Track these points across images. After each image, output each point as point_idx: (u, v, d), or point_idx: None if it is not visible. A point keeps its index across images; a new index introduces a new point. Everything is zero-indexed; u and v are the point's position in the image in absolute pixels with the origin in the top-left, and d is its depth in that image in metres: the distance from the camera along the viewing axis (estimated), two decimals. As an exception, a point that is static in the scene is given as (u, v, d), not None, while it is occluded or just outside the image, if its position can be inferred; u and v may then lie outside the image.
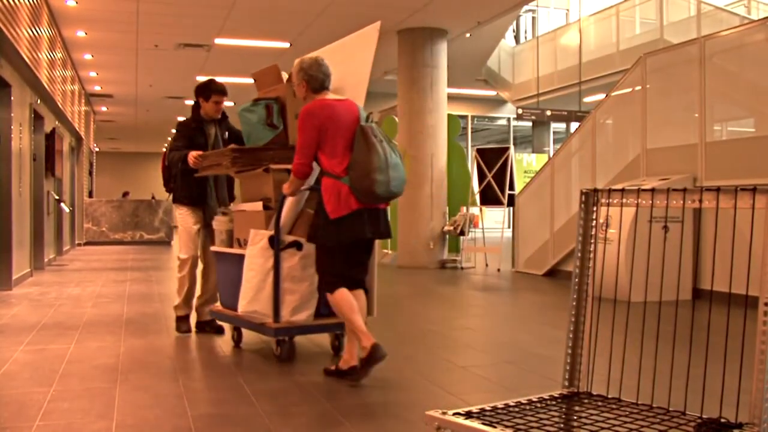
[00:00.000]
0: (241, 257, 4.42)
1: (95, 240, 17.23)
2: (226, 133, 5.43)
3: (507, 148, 10.64)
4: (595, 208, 2.62)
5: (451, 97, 12.09)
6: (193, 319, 5.51)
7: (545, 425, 2.17)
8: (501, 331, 5.81)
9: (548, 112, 15.80)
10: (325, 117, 3.78)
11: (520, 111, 16.07)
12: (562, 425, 2.26)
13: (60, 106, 11.63)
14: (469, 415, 2.21)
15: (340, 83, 4.14)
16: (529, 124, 20.13)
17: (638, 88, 8.04)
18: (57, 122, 12.57)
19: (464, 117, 18.14)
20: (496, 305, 7.27)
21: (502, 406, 2.33)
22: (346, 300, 3.78)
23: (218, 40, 11.62)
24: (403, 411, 3.38)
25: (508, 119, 19.86)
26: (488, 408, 2.29)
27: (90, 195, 20.10)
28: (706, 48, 7.13)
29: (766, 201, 2.09)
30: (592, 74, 14.94)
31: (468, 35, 11.89)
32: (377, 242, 4.23)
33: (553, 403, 2.45)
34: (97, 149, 25.48)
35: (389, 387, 3.82)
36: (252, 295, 4.29)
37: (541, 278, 9.18)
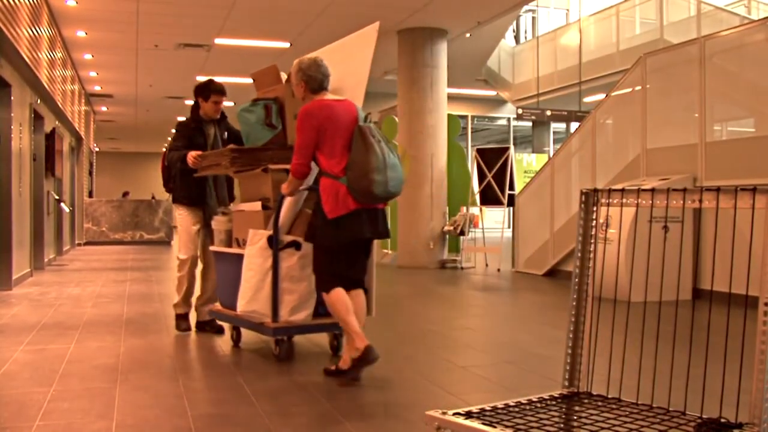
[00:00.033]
0: (240, 257, 4.43)
1: (95, 240, 17.23)
2: (225, 133, 5.44)
3: (507, 148, 10.64)
4: (595, 208, 2.62)
5: (451, 97, 12.09)
6: (193, 319, 5.52)
7: (545, 425, 2.17)
8: (501, 331, 5.81)
9: (548, 112, 15.80)
10: (323, 117, 3.78)
11: (520, 111, 16.07)
12: (562, 425, 2.26)
13: (60, 106, 11.63)
14: (469, 415, 2.21)
15: (339, 83, 4.14)
16: (529, 124, 20.13)
17: (638, 88, 8.04)
18: (57, 122, 12.58)
19: (464, 117, 18.14)
20: (496, 305, 7.27)
21: (502, 406, 2.33)
22: (342, 300, 3.79)
23: (218, 40, 11.62)
24: (403, 411, 3.38)
25: (508, 119, 19.86)
26: (488, 408, 2.29)
27: (90, 195, 20.10)
28: (706, 48, 7.13)
29: (766, 201, 2.09)
30: (592, 74, 14.94)
31: (468, 35, 11.89)
32: (377, 242, 4.24)
33: (553, 403, 2.45)
34: (97, 149, 25.48)
35: (389, 387, 3.82)
36: (251, 295, 4.30)
37: (541, 278, 9.18)
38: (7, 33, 6.81)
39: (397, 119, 11.44)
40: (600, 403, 2.43)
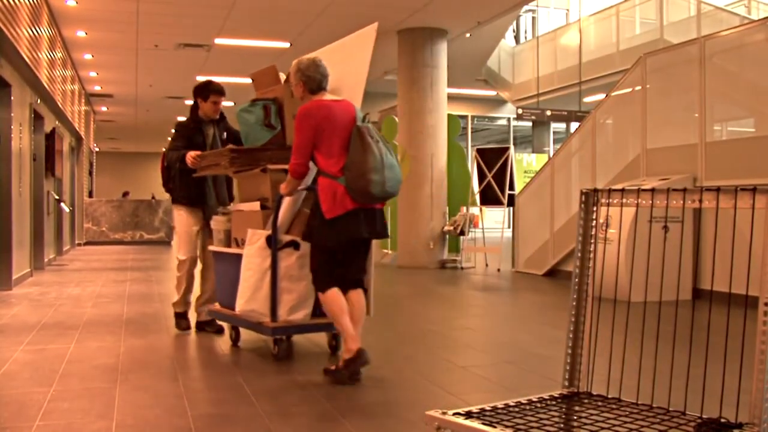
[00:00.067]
0: (239, 257, 4.44)
1: (95, 240, 17.23)
2: (225, 133, 5.45)
3: (507, 148, 10.64)
4: (595, 208, 2.62)
5: (451, 97, 12.09)
6: (193, 319, 5.52)
7: (545, 425, 2.17)
8: (501, 331, 5.81)
9: (548, 112, 15.80)
10: (321, 117, 3.80)
11: (520, 111, 16.07)
12: (562, 425, 2.26)
13: (60, 106, 11.63)
14: (469, 415, 2.21)
15: (337, 84, 4.15)
16: (529, 124, 20.13)
17: (638, 88, 8.04)
18: (57, 122, 12.58)
19: (464, 117, 18.14)
20: (496, 305, 7.27)
21: (502, 406, 2.33)
22: (336, 301, 3.81)
23: (218, 40, 11.62)
24: (403, 411, 3.38)
25: (508, 119, 19.86)
26: (488, 408, 2.29)
27: (90, 195, 20.10)
28: (706, 48, 7.13)
29: (766, 201, 2.09)
30: (592, 74, 14.94)
31: (468, 35, 11.89)
32: (377, 242, 4.25)
33: (553, 403, 2.45)
34: (97, 149, 25.48)
35: (389, 387, 3.82)
36: (249, 295, 4.31)
37: (541, 278, 9.18)
38: (7, 33, 6.81)
39: (397, 119, 11.44)
40: (600, 403, 2.42)
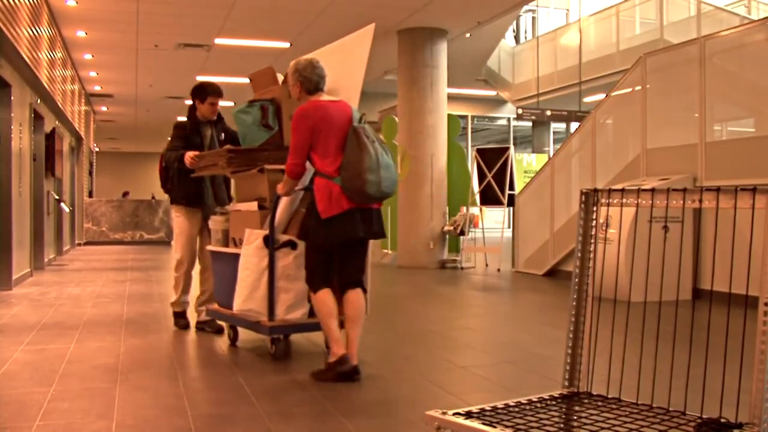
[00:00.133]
0: (237, 256, 4.45)
1: (95, 240, 17.23)
2: (222, 134, 5.46)
3: (507, 148, 10.64)
4: (595, 208, 2.62)
5: (451, 97, 12.09)
6: (192, 319, 5.53)
7: (545, 425, 2.17)
8: (501, 331, 5.81)
9: (548, 112, 15.80)
10: (318, 118, 3.82)
11: (520, 111, 16.07)
12: (562, 425, 2.26)
13: (60, 106, 11.63)
14: (469, 415, 2.21)
15: (334, 84, 4.17)
16: (529, 124, 20.13)
17: (638, 88, 8.04)
18: (57, 122, 12.58)
19: (464, 117, 18.14)
20: (496, 305, 7.27)
21: (502, 406, 2.33)
22: (326, 303, 3.85)
23: (218, 40, 11.61)
24: (403, 411, 3.38)
25: (508, 119, 19.86)
26: (488, 408, 2.29)
27: (90, 195, 20.10)
28: (706, 48, 7.13)
29: (766, 201, 2.09)
30: (592, 74, 14.94)
31: (468, 35, 11.89)
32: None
33: (553, 403, 2.45)
34: (97, 149, 25.48)
35: (389, 387, 3.82)
36: (247, 294, 4.33)
37: (541, 278, 9.18)
38: (7, 33, 6.81)
39: (397, 119, 11.44)
40: (600, 403, 2.42)
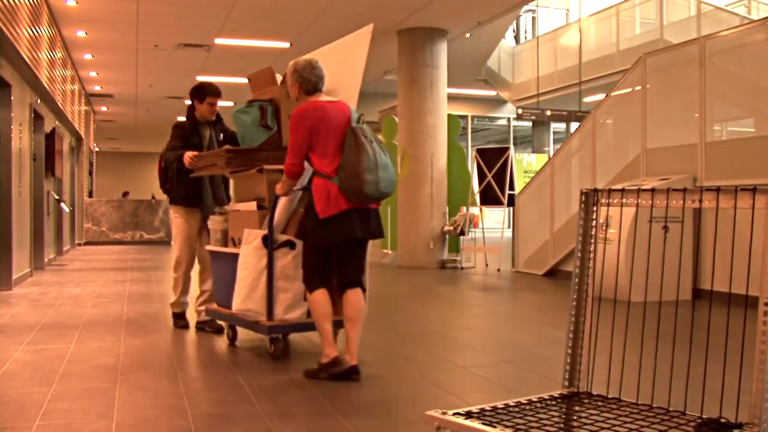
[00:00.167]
0: (236, 256, 4.46)
1: (95, 240, 17.23)
2: (221, 134, 5.47)
3: (507, 148, 10.64)
4: (595, 208, 2.62)
5: (451, 97, 12.09)
6: (192, 319, 5.54)
7: (545, 425, 2.17)
8: (501, 331, 5.81)
9: (548, 112, 15.80)
10: (316, 118, 3.84)
11: (520, 111, 16.07)
12: (562, 425, 2.26)
13: (60, 105, 11.63)
14: (469, 415, 2.21)
15: (333, 85, 4.19)
16: (529, 124, 20.13)
17: (638, 88, 8.04)
18: (57, 122, 12.57)
19: (464, 117, 18.14)
20: (496, 305, 7.27)
21: (502, 406, 2.33)
22: (322, 304, 3.88)
23: (218, 40, 11.61)
24: (403, 411, 3.38)
25: (508, 119, 19.86)
26: (488, 408, 2.29)
27: (90, 195, 20.10)
28: (706, 48, 7.13)
29: (766, 201, 2.09)
30: (592, 74, 14.94)
31: (468, 35, 11.89)
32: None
33: (553, 403, 2.45)
34: (97, 149, 25.48)
35: (389, 386, 3.82)
36: (246, 294, 4.34)
37: (541, 278, 9.18)
38: (7, 33, 6.81)
39: (397, 119, 11.44)
40: (600, 403, 2.42)
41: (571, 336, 2.61)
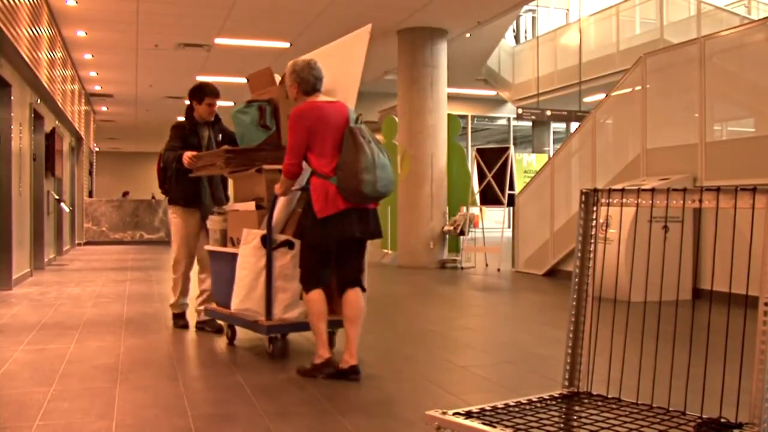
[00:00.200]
0: (234, 256, 4.47)
1: (95, 240, 17.23)
2: (220, 135, 5.48)
3: (507, 148, 10.63)
4: (595, 208, 2.62)
5: (451, 97, 12.09)
6: (192, 319, 5.54)
7: (545, 425, 2.17)
8: (501, 331, 5.81)
9: (548, 112, 15.80)
10: (314, 119, 3.85)
11: (520, 111, 16.07)
12: (562, 425, 2.26)
13: (60, 105, 11.63)
14: (469, 415, 2.21)
15: (332, 85, 4.20)
16: (529, 124, 20.13)
17: (638, 88, 8.04)
18: (57, 122, 12.57)
19: (464, 117, 18.14)
20: (496, 305, 7.27)
21: (502, 406, 2.33)
22: (318, 304, 3.90)
23: (218, 40, 11.61)
24: (403, 411, 3.38)
25: (508, 119, 19.86)
26: (488, 408, 2.29)
27: (90, 195, 20.10)
28: (706, 48, 7.13)
29: (766, 201, 2.09)
30: (592, 74, 14.94)
31: (468, 35, 11.89)
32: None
33: (553, 403, 2.45)
34: (97, 149, 25.48)
35: (389, 387, 3.82)
36: (245, 293, 4.36)
37: (541, 278, 9.18)
38: (7, 33, 6.81)
39: (397, 119, 11.44)
40: (600, 403, 2.42)
41: (571, 336, 2.61)
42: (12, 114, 8.12)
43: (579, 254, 2.61)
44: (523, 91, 17.34)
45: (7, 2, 6.83)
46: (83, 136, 17.17)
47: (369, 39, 4.35)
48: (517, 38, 18.98)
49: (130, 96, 17.34)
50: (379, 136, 12.80)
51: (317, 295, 3.91)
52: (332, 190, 3.76)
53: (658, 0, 13.98)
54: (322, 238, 3.86)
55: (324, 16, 10.08)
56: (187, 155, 5.08)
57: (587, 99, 15.56)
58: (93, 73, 14.62)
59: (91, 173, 21.54)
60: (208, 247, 5.10)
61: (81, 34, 11.22)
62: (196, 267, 5.56)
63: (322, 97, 4.00)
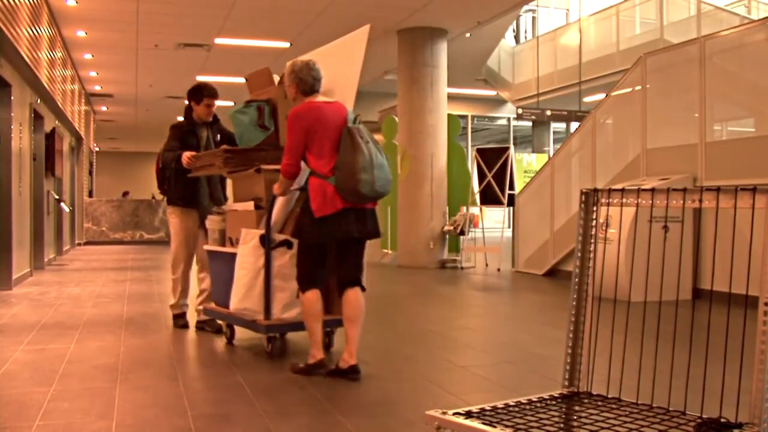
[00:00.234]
0: (233, 256, 4.48)
1: (95, 240, 17.23)
2: (218, 135, 5.48)
3: (507, 148, 10.63)
4: (595, 208, 2.62)
5: (451, 97, 12.09)
6: (192, 319, 5.54)
7: (545, 425, 2.17)
8: (501, 331, 5.81)
9: (548, 112, 15.80)
10: (312, 119, 3.86)
11: (520, 111, 16.07)
12: (562, 425, 2.25)
13: (60, 105, 11.63)
14: (469, 414, 2.21)
15: (330, 85, 4.21)
16: (529, 124, 20.12)
17: (638, 88, 8.04)
18: (57, 122, 12.57)
19: (464, 117, 18.13)
20: (496, 305, 7.27)
21: (502, 406, 2.33)
22: (313, 305, 3.93)
23: (218, 40, 11.61)
24: (403, 411, 3.38)
25: (508, 119, 19.86)
26: (488, 408, 2.29)
27: (90, 195, 20.10)
28: (706, 48, 7.13)
29: (766, 201, 2.09)
30: (592, 74, 14.94)
31: (468, 35, 11.89)
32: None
33: (553, 403, 2.45)
34: (97, 149, 25.48)
35: (389, 386, 3.82)
36: (243, 293, 4.37)
37: (541, 278, 9.18)
38: (7, 33, 6.81)
39: (397, 119, 11.44)
40: (600, 403, 2.42)
41: (571, 336, 2.61)
42: (12, 114, 8.12)
43: (579, 254, 2.61)
44: (523, 91, 17.34)
45: (7, 2, 6.83)
46: (83, 136, 17.17)
47: (367, 39, 4.36)
48: (517, 38, 18.98)
49: (130, 96, 17.34)
50: (379, 136, 12.82)
51: (313, 296, 3.93)
52: (330, 190, 3.78)
53: (658, 0, 13.98)
54: (320, 237, 3.87)
55: (324, 16, 10.08)
56: (186, 155, 5.09)
57: (587, 99, 15.56)
58: (93, 73, 14.62)
59: (91, 173, 21.54)
60: (207, 247, 5.11)
61: (81, 34, 11.22)
62: (195, 267, 5.56)
63: (320, 98, 4.01)
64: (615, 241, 6.91)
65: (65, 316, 6.11)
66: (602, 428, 2.15)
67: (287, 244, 4.29)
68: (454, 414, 2.20)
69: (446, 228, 10.73)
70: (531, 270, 9.68)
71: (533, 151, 20.48)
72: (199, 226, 5.41)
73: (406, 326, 5.89)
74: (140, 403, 3.45)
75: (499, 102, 19.04)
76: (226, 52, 12.39)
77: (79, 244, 16.68)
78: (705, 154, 7.06)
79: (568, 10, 18.70)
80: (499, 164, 10.52)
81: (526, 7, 16.77)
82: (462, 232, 10.55)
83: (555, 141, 20.17)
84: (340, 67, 4.43)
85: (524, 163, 19.56)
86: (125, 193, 25.42)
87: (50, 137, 11.28)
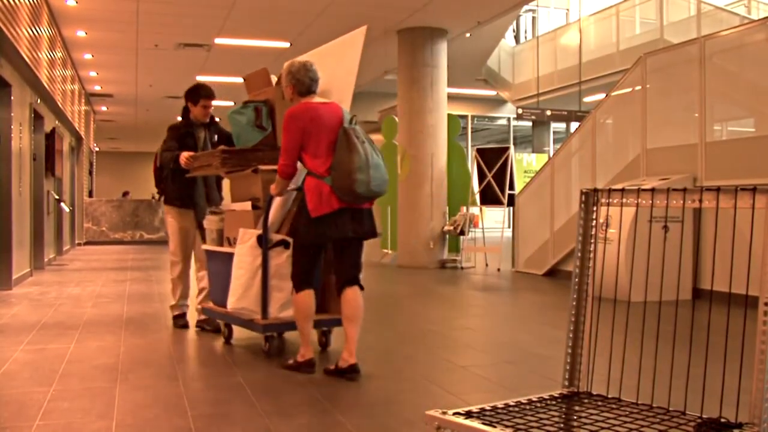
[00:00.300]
0: (231, 255, 4.50)
1: (95, 240, 17.23)
2: (216, 136, 5.49)
3: (507, 148, 10.63)
4: (595, 208, 2.62)
5: (451, 97, 12.09)
6: (193, 318, 5.55)
7: (545, 425, 2.17)
8: (501, 331, 5.81)
9: (548, 112, 15.80)
10: (308, 119, 3.88)
11: (520, 111, 16.07)
12: (562, 425, 2.25)
13: (60, 105, 11.63)
14: (469, 414, 2.21)
15: (327, 86, 4.23)
16: (529, 124, 20.13)
17: (638, 88, 8.04)
18: (57, 122, 12.57)
19: (464, 117, 18.13)
20: (496, 305, 7.27)
21: (502, 406, 2.33)
22: (306, 304, 3.96)
23: (218, 40, 11.61)
24: (403, 411, 3.38)
25: (508, 119, 19.86)
26: (488, 408, 2.29)
27: (90, 195, 20.10)
28: (706, 48, 7.13)
29: (766, 201, 2.09)
30: (592, 74, 14.94)
31: (468, 35, 11.89)
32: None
33: (553, 403, 2.45)
34: (97, 149, 25.48)
35: (389, 386, 3.82)
36: (241, 293, 4.39)
37: (541, 278, 9.18)
38: (7, 33, 6.81)
39: (397, 119, 11.44)
40: (600, 403, 2.42)
41: (571, 336, 2.61)
42: (12, 114, 8.12)
43: (579, 254, 2.61)
44: (523, 91, 17.34)
45: (7, 2, 6.83)
46: (83, 136, 17.17)
47: (364, 40, 4.37)
48: (517, 38, 18.98)
49: (130, 96, 17.34)
50: (379, 136, 12.82)
51: (306, 296, 3.95)
52: (326, 190, 3.80)
53: (658, 0, 13.98)
54: (316, 237, 3.89)
55: (324, 16, 10.08)
56: (184, 155, 5.10)
57: (587, 99, 15.56)
58: (93, 73, 14.62)
59: (91, 173, 21.54)
60: (204, 247, 5.11)
61: (81, 34, 11.22)
62: (193, 267, 5.56)
63: (316, 99, 4.03)
64: (615, 241, 6.91)
65: (65, 316, 6.11)
66: (602, 428, 2.15)
67: (284, 244, 4.30)
68: (454, 414, 2.20)
69: (446, 228, 10.73)
70: (531, 270, 9.68)
71: (533, 151, 20.48)
72: (195, 227, 5.41)
73: (406, 326, 5.89)
74: (140, 402, 3.45)
75: (499, 102, 19.04)
76: (226, 52, 12.40)
77: (79, 244, 16.69)
78: (705, 154, 7.06)
79: (568, 10, 18.70)
80: (499, 164, 10.52)
81: (526, 7, 16.77)
82: (462, 232, 10.55)
83: (555, 141, 20.17)
84: (337, 68, 4.45)
85: (524, 163, 19.57)
86: (125, 193, 25.42)
87: (50, 137, 11.28)
